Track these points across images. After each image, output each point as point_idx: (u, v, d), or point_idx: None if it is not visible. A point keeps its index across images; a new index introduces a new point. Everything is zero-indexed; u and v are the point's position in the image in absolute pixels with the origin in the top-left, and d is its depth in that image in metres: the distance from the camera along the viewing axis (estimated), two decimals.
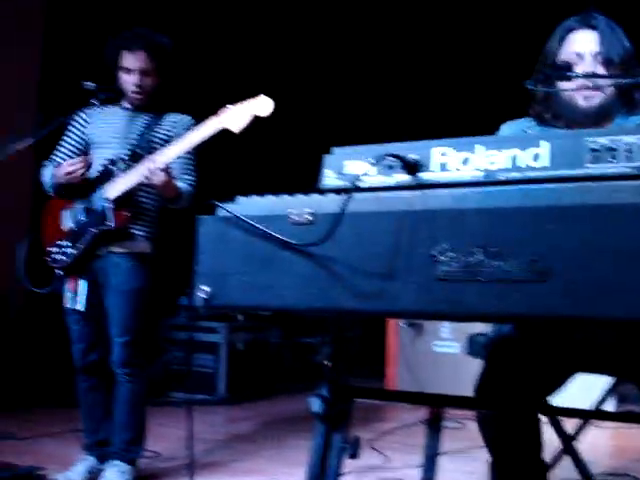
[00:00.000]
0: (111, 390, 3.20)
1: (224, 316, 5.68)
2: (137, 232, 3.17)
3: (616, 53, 1.90)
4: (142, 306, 3.18)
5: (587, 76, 1.83)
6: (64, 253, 3.15)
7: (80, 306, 3.15)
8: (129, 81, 3.17)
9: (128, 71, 3.16)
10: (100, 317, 3.19)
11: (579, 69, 1.90)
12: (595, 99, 1.89)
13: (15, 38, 5.36)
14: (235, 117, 2.88)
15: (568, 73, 1.86)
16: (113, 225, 3.05)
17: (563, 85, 1.89)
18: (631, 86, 1.89)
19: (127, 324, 3.13)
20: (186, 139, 3.01)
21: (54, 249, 3.18)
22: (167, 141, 3.18)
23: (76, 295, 3.14)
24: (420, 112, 6.55)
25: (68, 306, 3.19)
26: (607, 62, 1.89)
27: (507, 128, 2.07)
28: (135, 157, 3.10)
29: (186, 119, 3.28)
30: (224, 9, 6.39)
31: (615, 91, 1.92)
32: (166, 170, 2.98)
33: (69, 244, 3.14)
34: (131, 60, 3.15)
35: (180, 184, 3.16)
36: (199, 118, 3.03)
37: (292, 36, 6.70)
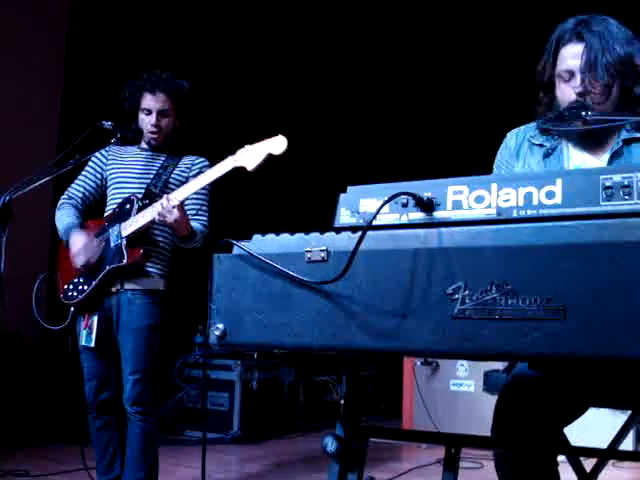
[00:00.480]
0: (123, 428, 3.18)
1: (239, 354, 5.67)
2: (151, 269, 3.19)
3: (602, 68, 1.89)
4: (155, 344, 3.17)
5: (599, 115, 1.84)
6: (78, 290, 3.17)
7: (90, 342, 3.15)
8: (148, 121, 3.24)
9: (148, 112, 3.25)
10: (113, 355, 3.20)
11: (570, 87, 1.93)
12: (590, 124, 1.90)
13: (38, 77, 5.47)
14: (250, 156, 2.92)
15: (583, 113, 1.86)
16: (126, 262, 3.07)
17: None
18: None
19: (139, 361, 3.12)
20: (201, 177, 3.06)
21: (69, 286, 3.20)
22: (182, 182, 3.23)
23: (90, 332, 3.15)
24: (434, 151, 6.58)
25: (81, 344, 3.19)
26: (593, 79, 1.90)
27: (512, 138, 2.10)
28: (149, 196, 3.15)
29: (201, 161, 3.34)
30: (242, 49, 6.48)
31: (615, 104, 1.93)
32: (180, 207, 3.00)
33: (83, 281, 3.17)
34: (151, 101, 3.24)
35: (193, 224, 3.19)
36: (216, 159, 3.08)
37: (310, 76, 6.78)
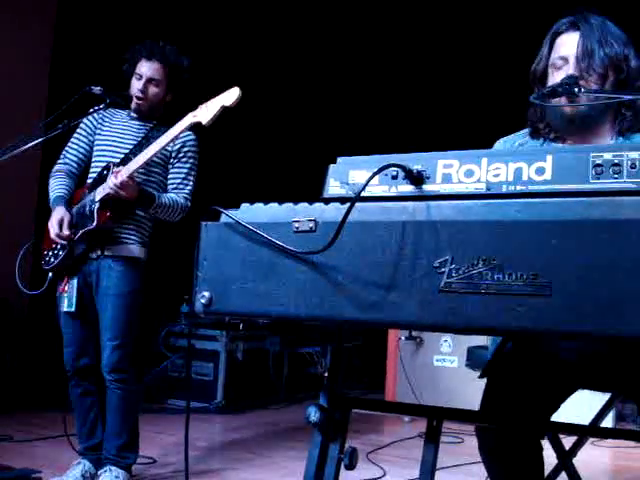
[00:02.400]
0: (104, 395, 3.19)
1: (224, 324, 5.68)
2: (130, 237, 3.19)
3: (598, 56, 1.85)
4: (133, 310, 3.17)
5: (592, 91, 1.82)
6: (55, 255, 3.18)
7: (71, 307, 3.16)
8: (136, 86, 3.23)
9: (139, 77, 3.24)
10: (92, 321, 3.20)
11: (563, 73, 1.87)
12: (580, 106, 1.86)
13: (26, 41, 5.39)
14: (207, 110, 2.91)
15: (576, 90, 1.84)
16: (95, 224, 3.07)
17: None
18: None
19: (117, 328, 3.12)
20: (161, 139, 3.04)
21: (48, 253, 3.22)
22: (164, 154, 3.22)
23: (70, 297, 3.16)
24: (427, 124, 6.57)
25: (60, 309, 3.21)
26: (588, 66, 1.85)
27: (501, 145, 2.05)
28: (126, 163, 3.12)
29: (187, 134, 3.28)
30: (233, 19, 6.42)
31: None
32: (131, 180, 3.00)
33: (60, 247, 3.17)
34: (145, 67, 3.23)
35: (171, 195, 3.20)
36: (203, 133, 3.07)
37: (302, 46, 6.73)
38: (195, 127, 3.01)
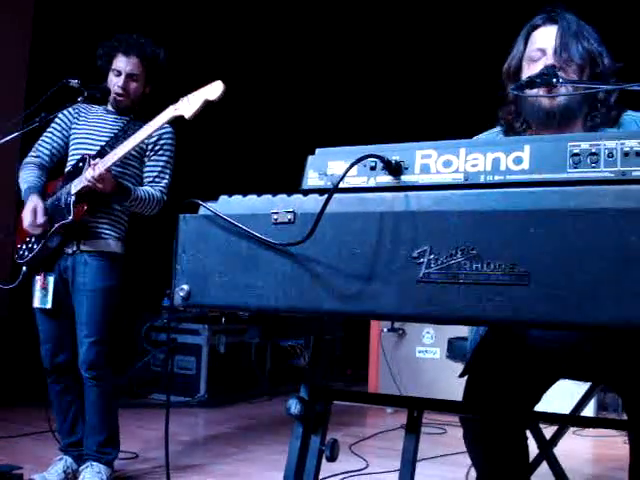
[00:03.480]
0: (82, 392, 3.16)
1: (206, 318, 5.67)
2: (106, 232, 3.16)
3: (576, 49, 1.86)
4: (110, 306, 3.14)
5: (571, 82, 1.82)
6: (29, 249, 3.16)
7: (47, 304, 3.13)
8: (115, 82, 3.20)
9: (118, 73, 3.20)
10: (69, 317, 3.17)
11: (541, 64, 1.86)
12: (559, 98, 1.85)
13: (4, 34, 5.33)
14: (189, 104, 2.89)
15: (554, 80, 1.84)
16: (71, 218, 3.04)
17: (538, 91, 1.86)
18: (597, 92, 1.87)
19: (94, 324, 3.09)
20: (141, 131, 3.01)
21: (22, 246, 3.19)
22: (141, 147, 3.19)
23: (46, 293, 3.13)
24: (406, 115, 6.57)
25: (37, 305, 3.17)
26: (567, 58, 1.85)
27: None
28: (102, 155, 3.10)
29: (164, 127, 3.21)
30: (211, 8, 6.39)
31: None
32: (108, 173, 2.98)
33: (34, 240, 3.14)
34: (123, 63, 3.19)
35: (147, 188, 3.19)
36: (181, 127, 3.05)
37: (281, 36, 6.70)
38: (176, 120, 2.99)
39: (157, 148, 3.24)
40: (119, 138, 3.18)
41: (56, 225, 3.08)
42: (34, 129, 2.94)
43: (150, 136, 3.13)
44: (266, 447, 4.08)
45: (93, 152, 3.16)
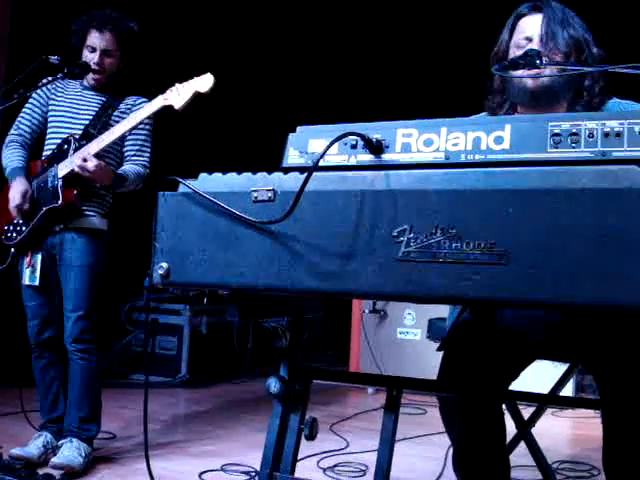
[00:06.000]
0: (67, 368, 3.19)
1: (187, 298, 5.66)
2: (91, 210, 3.18)
3: (561, 36, 1.87)
4: (95, 282, 3.17)
5: (556, 64, 1.82)
6: (17, 231, 3.17)
7: (34, 281, 3.15)
8: (90, 59, 3.18)
9: (92, 49, 3.19)
10: (55, 293, 3.21)
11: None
12: (542, 79, 1.86)
13: None
14: (179, 94, 2.92)
15: (537, 62, 1.84)
16: (61, 202, 3.05)
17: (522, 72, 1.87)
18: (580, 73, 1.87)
19: (80, 299, 3.12)
20: (128, 120, 3.05)
21: (9, 227, 3.19)
22: (118, 121, 3.18)
23: (34, 270, 3.15)
24: (390, 97, 6.55)
25: (25, 283, 3.19)
26: (552, 46, 1.86)
27: None
28: (88, 136, 3.13)
29: (143, 101, 3.27)
30: None
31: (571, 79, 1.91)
32: (95, 160, 2.98)
33: (22, 222, 3.15)
34: (97, 39, 3.18)
35: (128, 166, 3.21)
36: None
37: (261, 15, 6.64)
38: (163, 109, 3.00)
39: None
40: (100, 117, 3.18)
41: (44, 208, 3.08)
42: (13, 105, 2.92)
43: (129, 111, 3.18)
44: (246, 426, 4.09)
45: (76, 132, 3.15)
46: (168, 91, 2.95)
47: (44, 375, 3.26)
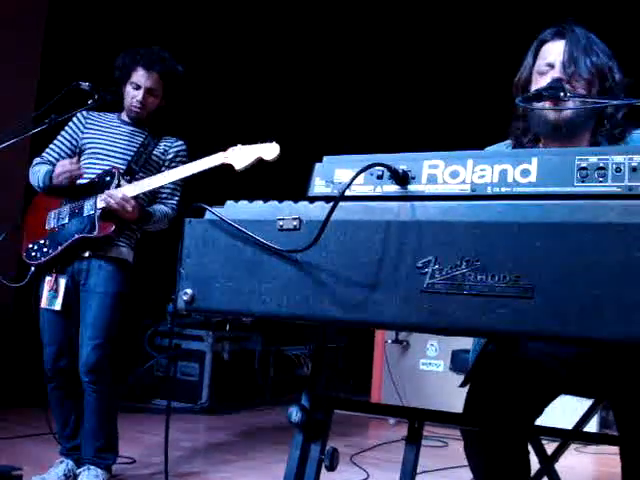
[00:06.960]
0: (82, 396, 3.15)
1: (210, 324, 5.67)
2: (122, 241, 3.20)
3: (584, 63, 1.86)
4: (116, 312, 3.15)
5: (578, 96, 1.82)
6: (42, 252, 3.16)
7: (56, 305, 3.13)
8: (133, 96, 3.21)
9: (137, 87, 3.22)
10: (75, 321, 3.17)
11: (549, 77, 1.87)
12: (565, 112, 1.85)
13: (17, 34, 5.36)
14: (241, 156, 2.94)
15: (561, 94, 1.83)
16: (97, 234, 3.07)
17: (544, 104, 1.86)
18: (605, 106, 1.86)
19: (99, 327, 3.09)
20: (184, 168, 3.08)
21: (33, 247, 3.19)
22: (158, 163, 3.27)
23: (56, 295, 3.13)
24: (416, 124, 6.57)
25: (45, 306, 3.16)
26: (574, 72, 1.85)
27: None
28: (131, 172, 3.17)
29: (179, 144, 3.34)
30: (221, 13, 6.41)
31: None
32: (135, 201, 3.05)
33: (49, 244, 3.15)
34: (143, 77, 3.21)
35: (161, 207, 3.25)
36: (191, 140, 3.06)
37: (291, 44, 6.72)
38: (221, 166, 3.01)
39: (173, 165, 3.30)
40: (142, 154, 3.22)
41: (77, 236, 3.09)
42: (44, 130, 2.95)
43: (165, 152, 3.26)
44: (267, 455, 4.07)
45: (118, 165, 3.18)
46: (230, 149, 2.96)
47: (62, 405, 3.23)
